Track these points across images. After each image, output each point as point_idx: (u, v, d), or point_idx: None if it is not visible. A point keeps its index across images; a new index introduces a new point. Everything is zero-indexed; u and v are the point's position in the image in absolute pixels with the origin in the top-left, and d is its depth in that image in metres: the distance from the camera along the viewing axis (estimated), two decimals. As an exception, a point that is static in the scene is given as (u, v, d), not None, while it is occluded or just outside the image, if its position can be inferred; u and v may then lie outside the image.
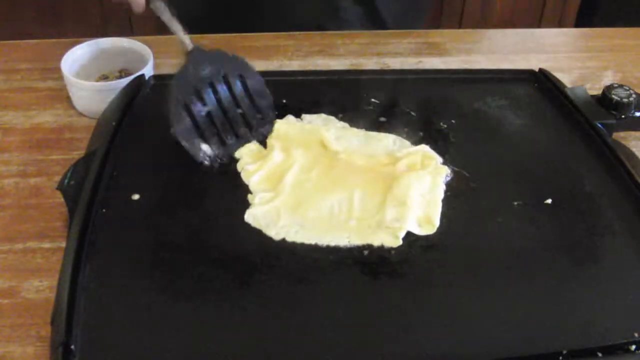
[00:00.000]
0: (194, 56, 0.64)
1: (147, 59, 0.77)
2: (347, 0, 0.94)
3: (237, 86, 0.65)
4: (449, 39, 0.94)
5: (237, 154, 0.64)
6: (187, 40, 0.65)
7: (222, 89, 0.65)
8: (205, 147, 0.63)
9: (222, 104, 0.64)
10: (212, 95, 0.64)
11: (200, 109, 0.63)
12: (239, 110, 0.66)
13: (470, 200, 0.60)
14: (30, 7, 1.80)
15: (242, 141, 0.65)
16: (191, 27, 0.68)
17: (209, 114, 0.64)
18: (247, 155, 0.64)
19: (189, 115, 0.62)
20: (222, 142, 0.64)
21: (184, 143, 0.61)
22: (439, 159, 0.64)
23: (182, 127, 0.62)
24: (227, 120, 0.65)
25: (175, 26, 0.65)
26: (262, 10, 0.95)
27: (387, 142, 0.66)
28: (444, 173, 0.62)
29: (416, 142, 0.66)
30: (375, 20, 0.97)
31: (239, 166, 0.63)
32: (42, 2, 1.80)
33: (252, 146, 0.65)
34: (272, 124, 0.67)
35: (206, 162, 0.62)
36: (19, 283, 0.56)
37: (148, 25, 0.87)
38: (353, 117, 0.69)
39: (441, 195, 0.60)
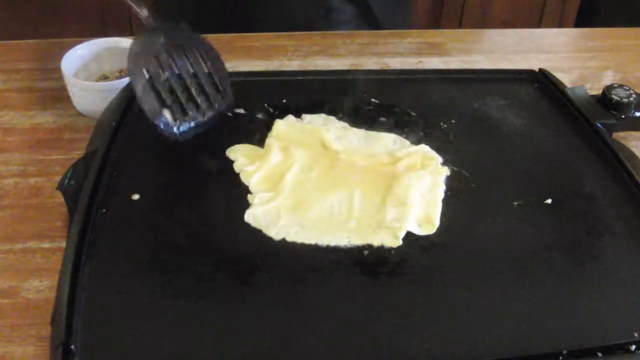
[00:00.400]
0: (150, 25, 0.64)
1: (147, 59, 0.77)
2: (339, 1, 0.94)
3: (194, 58, 0.65)
4: (449, 39, 0.94)
5: (231, 154, 0.64)
6: (141, 10, 0.64)
7: (179, 59, 0.64)
8: (166, 113, 0.62)
9: (180, 73, 0.64)
10: (170, 63, 0.63)
11: (159, 73, 0.62)
12: (197, 82, 0.65)
13: (470, 200, 0.60)
14: (30, 7, 1.80)
15: (202, 113, 0.65)
16: None
17: (167, 80, 0.63)
18: (243, 156, 0.64)
19: (149, 76, 0.62)
20: (184, 111, 0.63)
21: (143, 106, 0.60)
22: (439, 159, 0.64)
23: (142, 87, 0.61)
24: (186, 90, 0.64)
25: None
26: (253, 11, 0.94)
27: (387, 142, 0.66)
28: (444, 173, 0.62)
29: (416, 142, 0.66)
30: (368, 20, 0.97)
31: (237, 167, 0.63)
32: (42, 2, 1.80)
33: (247, 146, 0.65)
34: (230, 100, 0.66)
35: (163, 127, 0.61)
36: (19, 283, 0.56)
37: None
38: (353, 117, 0.69)
39: (441, 195, 0.60)
